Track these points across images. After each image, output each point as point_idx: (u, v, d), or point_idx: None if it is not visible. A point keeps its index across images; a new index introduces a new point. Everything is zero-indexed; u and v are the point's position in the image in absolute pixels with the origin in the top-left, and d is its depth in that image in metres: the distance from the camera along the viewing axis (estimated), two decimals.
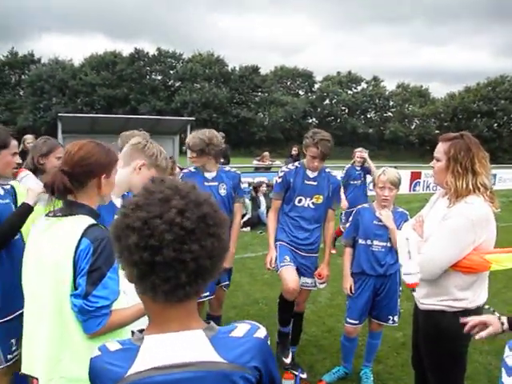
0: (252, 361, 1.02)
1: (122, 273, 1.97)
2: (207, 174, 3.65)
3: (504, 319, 1.95)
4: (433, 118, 53.84)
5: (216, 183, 3.64)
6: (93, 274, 1.70)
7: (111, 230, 1.03)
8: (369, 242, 3.47)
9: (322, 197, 3.64)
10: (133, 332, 1.15)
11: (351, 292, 3.56)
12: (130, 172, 2.38)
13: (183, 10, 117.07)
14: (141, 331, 1.06)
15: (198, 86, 52.64)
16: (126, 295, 2.03)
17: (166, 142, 10.59)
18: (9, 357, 2.49)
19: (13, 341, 2.47)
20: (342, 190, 5.08)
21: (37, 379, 3.16)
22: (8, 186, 2.95)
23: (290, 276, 3.50)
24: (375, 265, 3.45)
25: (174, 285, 0.96)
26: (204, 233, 0.97)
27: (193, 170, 3.73)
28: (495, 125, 50.05)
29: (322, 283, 3.75)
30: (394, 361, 4.01)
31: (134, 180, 2.37)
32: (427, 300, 2.41)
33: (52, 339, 1.77)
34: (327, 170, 3.76)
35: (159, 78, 55.03)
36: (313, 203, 3.63)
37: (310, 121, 57.66)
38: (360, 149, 7.50)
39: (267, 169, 12.70)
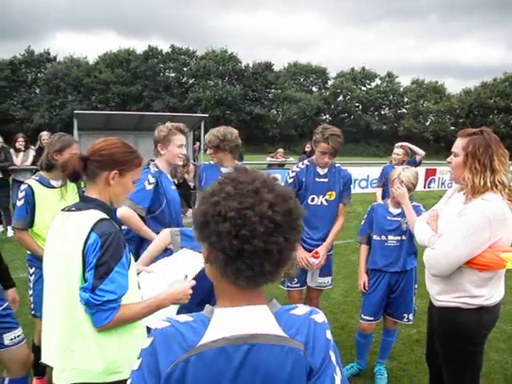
0: (298, 335, 1.05)
1: (134, 268, 2.01)
2: (223, 170, 3.72)
3: None
4: (448, 114, 53.10)
5: None
6: (100, 268, 1.73)
7: (197, 214, 1.07)
8: (383, 237, 3.46)
9: (334, 193, 3.62)
10: (148, 328, 1.17)
11: (365, 288, 3.56)
12: None
13: (195, 6, 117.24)
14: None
15: (211, 83, 52.71)
16: (141, 290, 2.06)
17: None
18: None
19: None
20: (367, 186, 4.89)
21: (38, 378, 3.24)
22: (25, 186, 3.00)
23: (294, 296, 3.75)
24: (390, 261, 3.44)
25: (258, 272, 1.03)
26: (289, 226, 1.03)
27: (212, 163, 3.91)
28: None
29: (317, 266, 3.63)
30: (408, 357, 3.99)
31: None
32: (442, 297, 2.39)
33: (64, 331, 1.82)
34: (337, 164, 3.71)
35: (173, 75, 55.20)
36: (326, 200, 3.61)
37: (324, 117, 57.35)
38: (399, 144, 6.54)
39: (281, 165, 12.68)
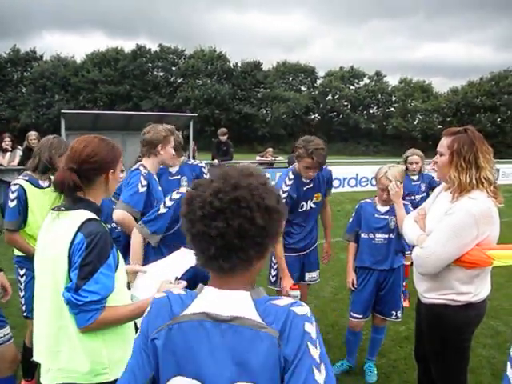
0: (274, 324, 1.07)
1: (124, 269, 2.01)
2: (171, 169, 3.81)
3: None
4: (436, 113, 53.49)
5: (178, 177, 3.82)
6: (84, 268, 1.72)
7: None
8: (371, 235, 3.50)
9: (320, 194, 3.68)
10: (137, 328, 1.21)
11: (353, 286, 3.59)
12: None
13: (183, 5, 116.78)
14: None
15: (200, 82, 52.48)
16: (137, 291, 2.06)
17: None
18: None
19: None
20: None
21: (26, 380, 3.23)
22: (17, 186, 2.96)
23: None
24: (378, 258, 3.47)
25: (207, 256, 1.11)
26: (234, 213, 1.07)
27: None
28: (498, 120, 49.64)
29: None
30: (398, 354, 4.03)
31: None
32: (430, 294, 2.42)
33: (51, 331, 1.81)
34: None
35: (161, 74, 54.88)
36: (314, 203, 3.66)
37: (313, 116, 57.48)
38: (411, 150, 5.40)
39: (270, 165, 12.71)
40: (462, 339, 2.43)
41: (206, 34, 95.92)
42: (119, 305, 1.82)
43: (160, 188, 3.32)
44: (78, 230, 1.75)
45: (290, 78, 60.12)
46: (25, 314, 3.09)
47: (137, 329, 1.22)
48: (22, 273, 3.08)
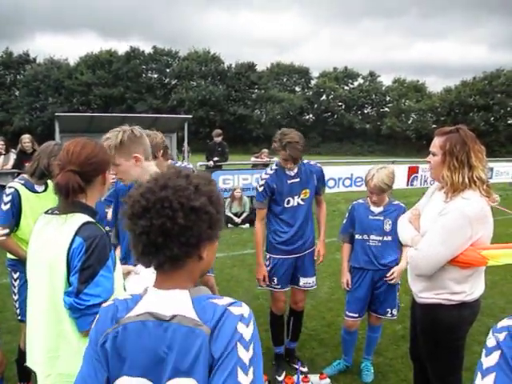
0: (208, 322, 1.09)
1: (120, 270, 2.01)
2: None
3: None
4: (429, 112, 53.73)
5: None
6: (84, 272, 1.71)
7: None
8: (365, 236, 3.50)
9: (308, 190, 3.59)
10: None
11: (348, 286, 3.60)
12: (133, 164, 2.45)
13: (176, 7, 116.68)
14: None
15: (194, 83, 52.51)
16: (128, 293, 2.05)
17: None
18: None
19: None
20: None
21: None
22: (11, 190, 2.94)
23: (278, 298, 3.74)
24: (373, 259, 3.48)
25: (137, 252, 1.16)
26: (157, 213, 1.11)
27: None
28: (492, 118, 49.95)
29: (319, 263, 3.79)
30: (394, 353, 4.05)
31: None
32: (424, 294, 2.43)
33: (49, 336, 1.80)
34: (305, 161, 3.66)
35: (155, 76, 54.86)
36: (302, 199, 3.57)
37: (307, 117, 57.59)
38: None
39: (265, 165, 12.68)
40: (456, 338, 2.45)
41: (200, 35, 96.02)
42: None
43: None
44: (76, 234, 1.74)
45: (284, 79, 60.22)
46: (19, 317, 3.07)
47: None
48: (15, 276, 3.06)
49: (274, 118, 52.22)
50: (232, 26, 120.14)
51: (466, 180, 2.25)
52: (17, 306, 3.08)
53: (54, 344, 1.79)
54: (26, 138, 8.25)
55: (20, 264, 2.91)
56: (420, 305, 2.50)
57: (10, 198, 2.92)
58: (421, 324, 2.55)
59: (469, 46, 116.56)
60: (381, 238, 3.45)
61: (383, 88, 58.13)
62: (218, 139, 11.23)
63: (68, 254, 1.73)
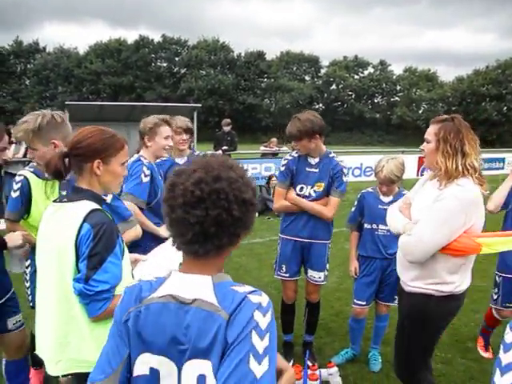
0: (227, 308, 1.12)
1: (128, 257, 2.02)
2: (178, 160, 3.77)
3: None
4: (441, 102, 53.13)
5: None
6: (92, 259, 1.73)
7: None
8: (374, 226, 3.50)
9: (323, 184, 3.48)
10: None
11: (356, 274, 3.61)
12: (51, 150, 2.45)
13: None
14: None
15: (203, 72, 52.37)
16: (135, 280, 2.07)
17: None
18: None
19: None
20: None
21: (35, 369, 3.25)
22: (21, 177, 2.96)
23: (287, 286, 3.75)
24: (381, 248, 3.48)
25: (184, 240, 1.18)
26: (213, 204, 1.13)
27: (165, 158, 3.66)
28: (505, 108, 49.24)
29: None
30: None
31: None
32: (414, 283, 2.42)
33: (59, 322, 1.82)
34: (331, 154, 3.56)
35: (164, 65, 54.81)
36: (314, 191, 3.50)
37: (317, 106, 57.23)
38: None
39: (274, 155, 12.67)
40: (439, 328, 2.49)
41: (209, 24, 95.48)
42: None
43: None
44: (84, 221, 1.75)
45: (294, 68, 59.82)
46: (31, 303, 3.12)
47: None
48: (27, 264, 3.10)
49: (283, 108, 51.98)
50: (241, 15, 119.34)
51: (460, 167, 2.25)
52: (29, 292, 3.12)
53: (63, 330, 1.81)
54: None
55: (31, 251, 2.94)
56: (408, 293, 2.48)
57: (19, 185, 2.94)
58: (407, 312, 2.54)
59: (481, 34, 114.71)
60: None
61: (394, 77, 57.57)
62: (227, 128, 11.22)
63: (76, 240, 1.75)
